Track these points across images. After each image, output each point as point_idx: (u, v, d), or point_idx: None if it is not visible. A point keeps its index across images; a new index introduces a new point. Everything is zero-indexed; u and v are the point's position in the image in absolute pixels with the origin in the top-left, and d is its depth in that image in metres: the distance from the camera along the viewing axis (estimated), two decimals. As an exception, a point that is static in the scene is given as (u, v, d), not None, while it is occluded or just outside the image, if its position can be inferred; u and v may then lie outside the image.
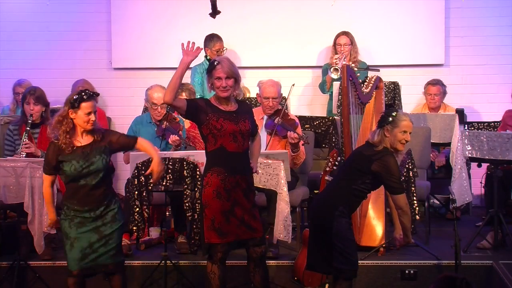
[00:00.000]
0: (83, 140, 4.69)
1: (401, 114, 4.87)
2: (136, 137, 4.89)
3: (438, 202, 7.32)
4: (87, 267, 4.72)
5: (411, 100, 7.87)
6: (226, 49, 7.53)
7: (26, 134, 6.02)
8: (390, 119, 4.77)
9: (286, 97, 6.46)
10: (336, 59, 7.39)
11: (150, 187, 5.63)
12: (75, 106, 4.62)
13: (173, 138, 6.16)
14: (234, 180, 4.77)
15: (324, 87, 7.51)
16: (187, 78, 7.39)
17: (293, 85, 6.42)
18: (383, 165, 4.69)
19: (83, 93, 4.68)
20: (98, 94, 4.90)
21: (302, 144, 6.16)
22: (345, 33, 7.55)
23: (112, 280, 4.86)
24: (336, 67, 7.11)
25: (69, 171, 4.63)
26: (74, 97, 4.64)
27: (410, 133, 4.79)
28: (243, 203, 4.81)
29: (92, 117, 4.66)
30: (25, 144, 5.97)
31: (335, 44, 7.56)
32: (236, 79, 4.82)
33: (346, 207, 4.72)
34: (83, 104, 4.63)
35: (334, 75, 7.10)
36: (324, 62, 7.80)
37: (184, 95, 6.49)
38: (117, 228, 4.78)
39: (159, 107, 6.24)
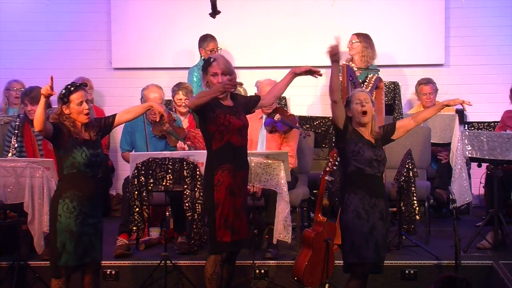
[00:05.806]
0: (84, 134, 4.70)
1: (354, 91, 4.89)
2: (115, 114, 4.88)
3: (437, 203, 7.31)
4: (84, 263, 4.70)
5: (411, 100, 7.87)
6: (221, 49, 7.48)
7: (14, 136, 6.10)
8: (347, 100, 4.80)
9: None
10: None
11: (150, 187, 5.63)
12: (65, 101, 4.64)
13: (181, 145, 6.19)
14: (243, 175, 4.80)
15: None
16: (184, 78, 7.38)
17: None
18: None
19: (70, 86, 4.69)
20: (86, 85, 4.90)
21: (304, 137, 6.22)
22: (356, 35, 7.31)
23: (88, 277, 4.82)
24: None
25: (79, 158, 4.62)
26: (62, 92, 4.65)
27: (367, 102, 4.69)
28: (247, 198, 4.89)
29: (85, 105, 4.65)
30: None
31: None
32: (232, 76, 4.81)
33: (351, 193, 4.65)
34: (72, 96, 4.63)
35: None
36: (324, 62, 7.77)
37: (181, 94, 6.58)
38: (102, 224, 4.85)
39: None
